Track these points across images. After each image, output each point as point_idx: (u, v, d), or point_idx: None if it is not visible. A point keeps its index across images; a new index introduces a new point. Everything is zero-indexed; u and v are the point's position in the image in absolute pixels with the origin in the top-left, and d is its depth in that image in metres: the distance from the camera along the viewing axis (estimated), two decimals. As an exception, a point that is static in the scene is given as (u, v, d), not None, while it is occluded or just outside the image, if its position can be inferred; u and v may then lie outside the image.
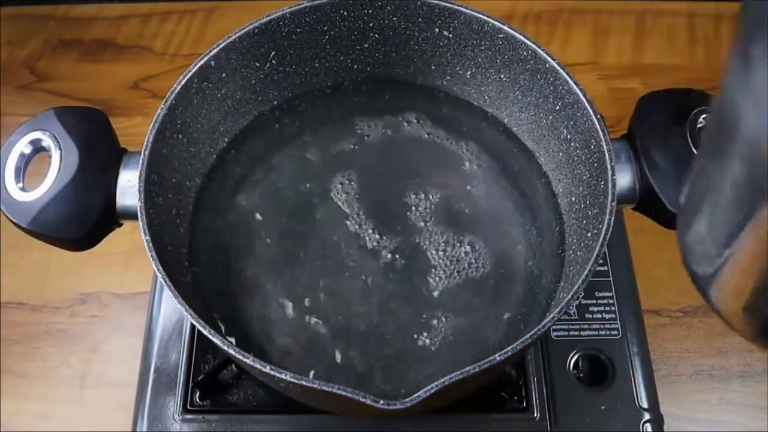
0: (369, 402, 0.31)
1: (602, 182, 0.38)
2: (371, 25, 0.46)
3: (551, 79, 0.42)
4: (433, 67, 0.48)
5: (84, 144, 0.40)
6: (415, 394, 0.31)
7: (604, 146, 0.38)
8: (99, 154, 0.41)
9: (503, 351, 0.32)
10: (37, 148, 0.41)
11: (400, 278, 0.46)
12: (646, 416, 0.44)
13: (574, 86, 0.40)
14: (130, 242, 0.54)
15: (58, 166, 0.40)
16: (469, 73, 0.47)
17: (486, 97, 0.48)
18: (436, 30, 0.45)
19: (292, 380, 0.32)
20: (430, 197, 0.49)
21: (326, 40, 0.47)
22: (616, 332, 0.47)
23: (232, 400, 0.45)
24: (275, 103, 0.49)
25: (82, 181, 0.40)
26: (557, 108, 0.43)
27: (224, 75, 0.44)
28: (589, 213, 0.40)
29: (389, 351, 0.43)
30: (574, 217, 0.43)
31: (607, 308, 0.48)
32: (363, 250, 0.47)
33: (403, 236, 0.47)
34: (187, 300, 0.34)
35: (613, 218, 0.36)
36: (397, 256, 0.47)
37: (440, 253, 0.47)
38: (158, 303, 0.49)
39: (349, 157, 0.51)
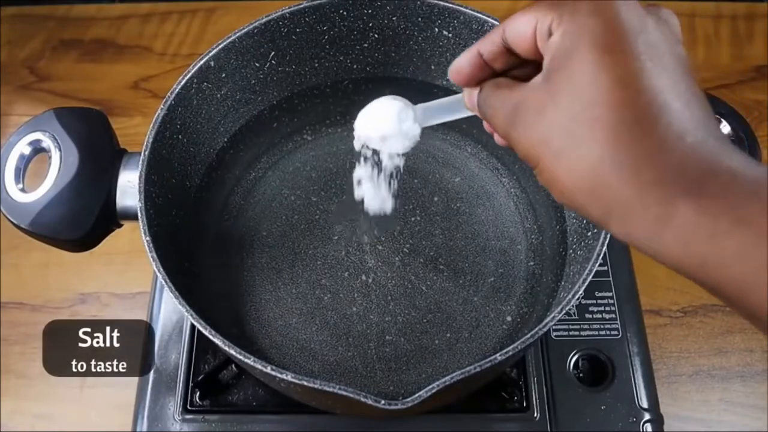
0: (370, 402, 0.31)
1: (602, 182, 0.38)
2: (371, 24, 0.46)
3: (551, 78, 0.42)
4: (432, 67, 0.48)
5: (84, 145, 0.40)
6: (416, 394, 0.31)
7: (604, 146, 0.38)
8: (99, 154, 0.41)
9: (504, 351, 0.32)
10: (37, 148, 0.41)
11: (400, 278, 0.46)
12: (646, 416, 0.44)
13: (574, 86, 0.40)
14: (130, 242, 0.54)
15: (58, 167, 0.40)
16: (469, 72, 0.47)
17: (486, 97, 0.48)
18: (436, 30, 0.45)
19: (293, 380, 0.32)
20: (431, 196, 0.49)
21: (326, 40, 0.47)
22: (616, 332, 0.47)
23: (232, 400, 0.45)
24: (275, 102, 0.49)
25: (81, 182, 0.40)
26: (557, 108, 0.43)
27: (224, 75, 0.44)
28: (590, 213, 0.40)
29: (389, 351, 0.43)
30: (575, 216, 0.43)
31: (607, 308, 0.48)
32: (363, 249, 0.47)
33: (403, 235, 0.47)
34: (187, 300, 0.34)
35: (613, 218, 0.36)
36: (398, 255, 0.47)
37: (440, 251, 0.47)
38: (158, 303, 0.49)
39: (348, 156, 0.51)
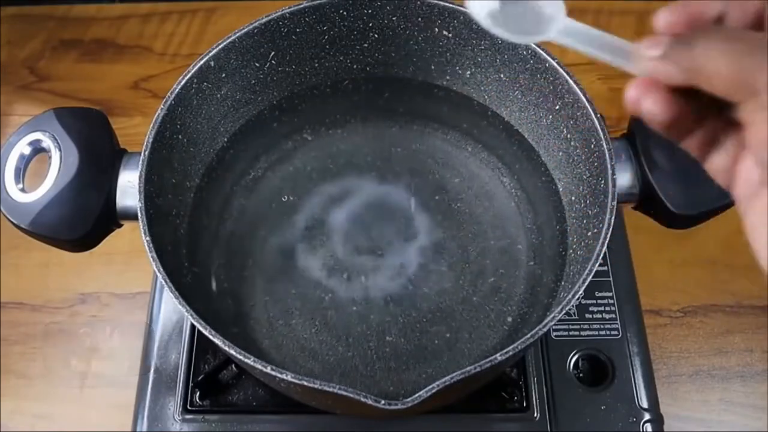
0: (370, 402, 0.31)
1: (602, 181, 0.38)
2: (371, 24, 0.46)
3: (551, 78, 0.42)
4: (432, 67, 0.48)
5: (84, 145, 0.40)
6: (416, 394, 0.31)
7: (605, 145, 0.38)
8: (99, 154, 0.41)
9: (504, 351, 0.32)
10: (37, 148, 0.41)
11: (400, 277, 0.46)
12: (646, 416, 0.44)
13: (574, 86, 0.40)
14: (130, 242, 0.54)
15: (58, 167, 0.40)
16: (468, 72, 0.47)
17: (486, 97, 0.48)
18: (436, 30, 0.45)
19: (293, 380, 0.32)
20: (431, 196, 0.49)
21: (326, 40, 0.47)
22: (616, 332, 0.47)
23: (232, 400, 0.45)
24: (275, 102, 0.49)
25: (81, 182, 0.40)
26: (557, 107, 0.43)
27: (224, 75, 0.44)
28: (590, 212, 0.40)
29: (389, 351, 0.43)
30: (575, 216, 0.43)
31: (607, 308, 0.48)
32: (363, 248, 0.47)
33: (403, 234, 0.47)
34: (187, 300, 0.34)
35: (613, 217, 0.36)
36: (398, 256, 0.47)
37: (441, 251, 0.47)
38: (158, 303, 0.49)
39: (349, 156, 0.51)
